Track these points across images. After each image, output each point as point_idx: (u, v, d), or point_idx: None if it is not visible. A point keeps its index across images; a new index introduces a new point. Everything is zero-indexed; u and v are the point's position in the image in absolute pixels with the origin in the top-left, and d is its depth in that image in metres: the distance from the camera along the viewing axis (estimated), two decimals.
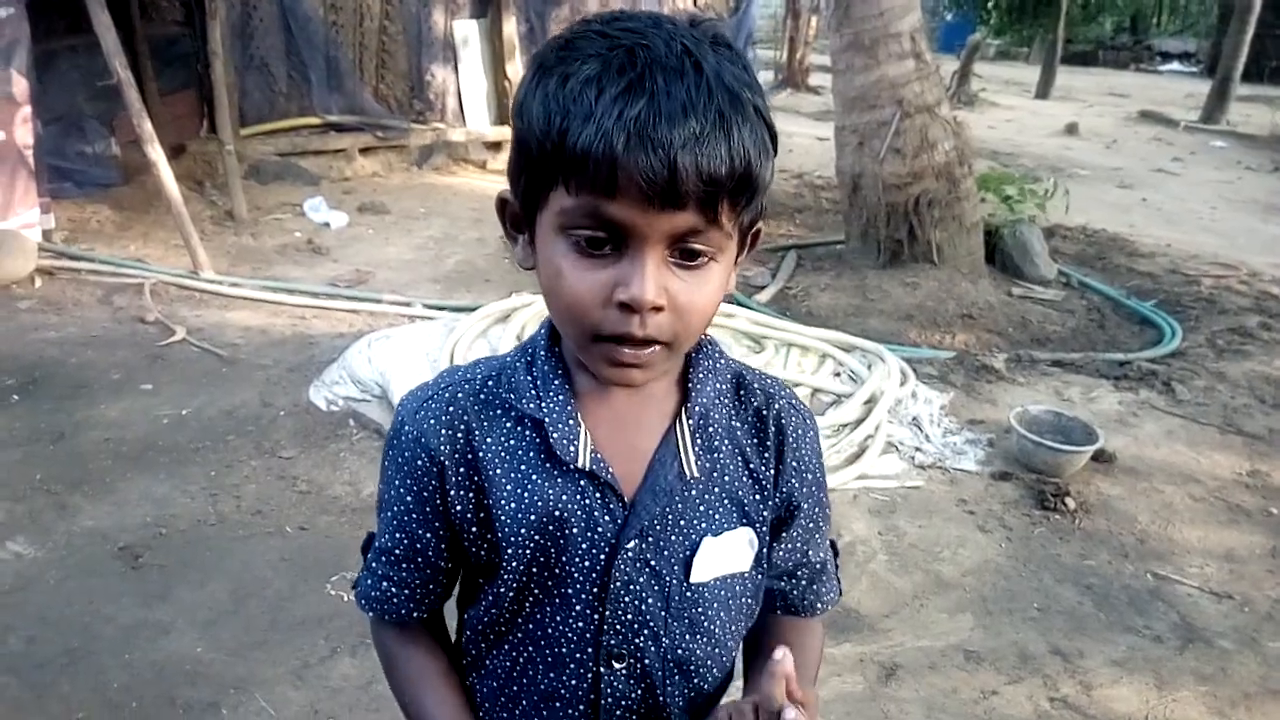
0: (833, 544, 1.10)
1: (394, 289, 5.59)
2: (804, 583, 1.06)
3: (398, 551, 0.98)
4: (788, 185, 8.95)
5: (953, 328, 5.46)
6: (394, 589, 0.99)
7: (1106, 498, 3.70)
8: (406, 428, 0.95)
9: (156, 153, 5.32)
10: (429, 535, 0.96)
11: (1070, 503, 3.57)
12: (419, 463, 0.94)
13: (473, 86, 9.07)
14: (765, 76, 16.97)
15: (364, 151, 8.26)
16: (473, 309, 4.72)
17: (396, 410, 0.98)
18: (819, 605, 1.07)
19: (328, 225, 6.76)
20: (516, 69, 9.08)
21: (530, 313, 4.30)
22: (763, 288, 5.98)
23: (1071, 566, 3.25)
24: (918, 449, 3.90)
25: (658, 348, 0.83)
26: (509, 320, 4.26)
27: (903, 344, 5.07)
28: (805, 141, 10.92)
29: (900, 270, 5.96)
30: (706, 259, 0.83)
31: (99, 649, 2.57)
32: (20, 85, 5.39)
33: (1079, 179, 10.12)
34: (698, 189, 0.76)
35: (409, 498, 0.95)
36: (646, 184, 0.75)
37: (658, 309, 0.81)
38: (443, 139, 8.79)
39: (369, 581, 1.01)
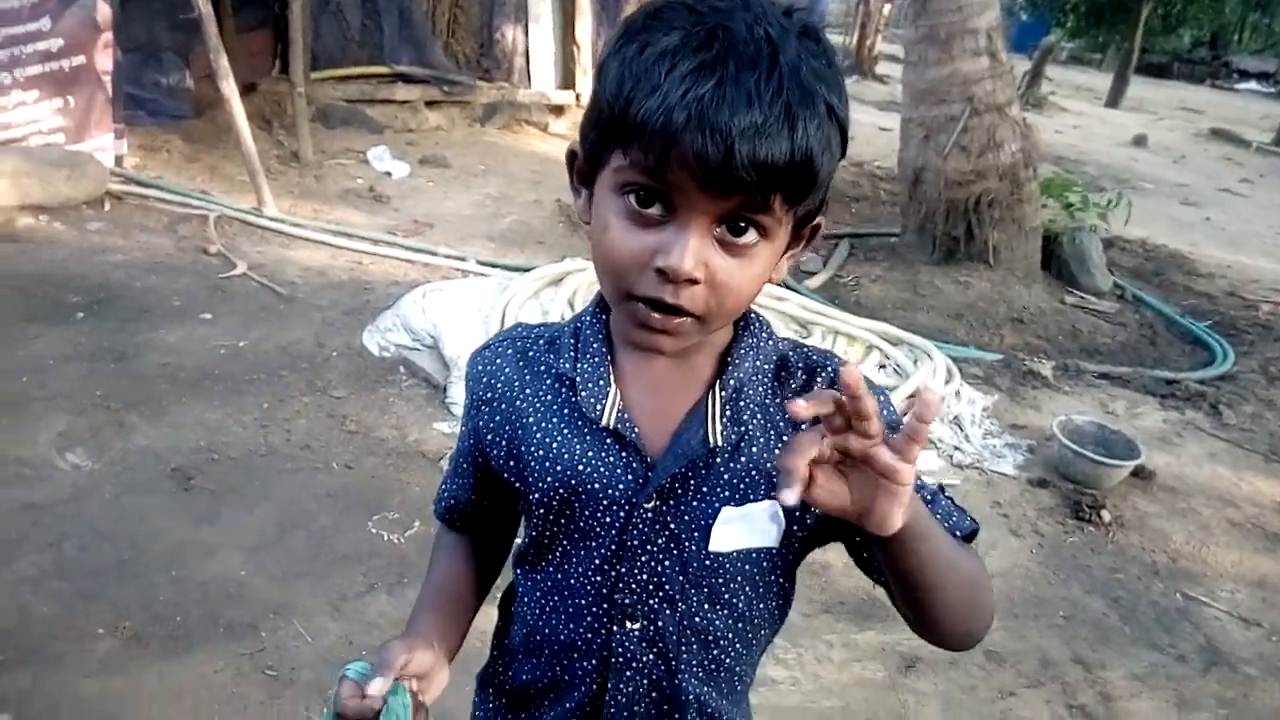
0: (940, 487, 0.99)
1: (449, 243, 5.66)
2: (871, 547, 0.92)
3: (452, 466, 1.12)
4: (846, 174, 8.89)
5: (1002, 330, 5.43)
6: (446, 492, 1.13)
7: (1142, 514, 3.69)
8: (468, 370, 1.06)
9: (230, 89, 5.40)
10: (465, 464, 1.08)
11: (1105, 515, 3.57)
12: (466, 401, 1.06)
13: (541, 48, 9.09)
14: None
15: (429, 105, 8.32)
16: (526, 270, 4.77)
17: None
18: (947, 529, 0.93)
19: (389, 175, 6.84)
20: (586, 32, 9.09)
21: (583, 278, 4.34)
22: (813, 274, 5.98)
23: (1101, 579, 3.25)
24: (957, 448, 3.91)
25: (687, 319, 0.85)
26: (561, 284, 4.30)
27: (950, 342, 5.05)
28: (868, 131, 10.82)
29: (954, 268, 5.93)
30: (754, 239, 0.84)
31: (148, 563, 2.67)
32: (104, 11, 5.50)
33: (1143, 192, 9.96)
34: (751, 177, 0.77)
35: (463, 428, 1.08)
36: (699, 165, 0.76)
37: (693, 281, 0.82)
38: (507, 98, 8.83)
39: (440, 483, 1.15)
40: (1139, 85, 19.79)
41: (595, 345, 0.97)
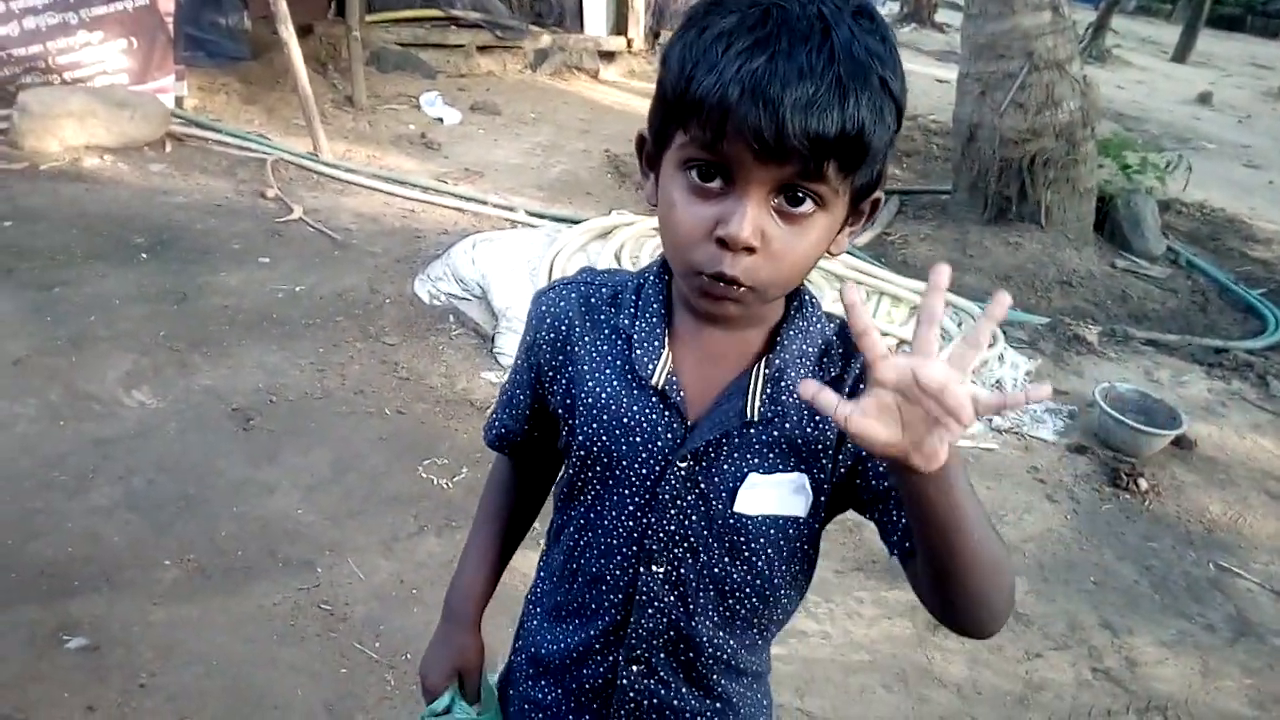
0: None
1: (499, 192, 5.72)
2: (893, 514, 1.00)
3: (505, 397, 1.18)
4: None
5: (1050, 294, 5.40)
6: (496, 421, 1.21)
7: (1180, 483, 3.70)
8: (531, 308, 1.12)
9: (289, 33, 5.46)
10: (522, 396, 1.15)
11: (1143, 484, 3.59)
12: (527, 338, 1.11)
13: None
14: (891, 8, 16.46)
15: (481, 50, 8.32)
16: (574, 221, 4.83)
17: None
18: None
19: (441, 121, 6.89)
20: None
21: (630, 232, 4.39)
22: (862, 231, 5.95)
23: (1134, 546, 3.29)
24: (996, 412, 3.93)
25: (747, 288, 0.90)
26: (609, 238, 4.35)
27: None
28: (924, 82, 10.64)
29: (1004, 228, 5.88)
30: (810, 208, 0.88)
31: (211, 499, 2.81)
32: None
33: (1204, 153, 9.72)
34: (804, 146, 0.81)
35: (520, 361, 1.14)
36: (753, 136, 0.81)
37: (750, 250, 0.87)
38: (558, 44, 8.80)
39: (491, 410, 1.23)
40: (1208, 39, 19.13)
41: (655, 306, 1.02)
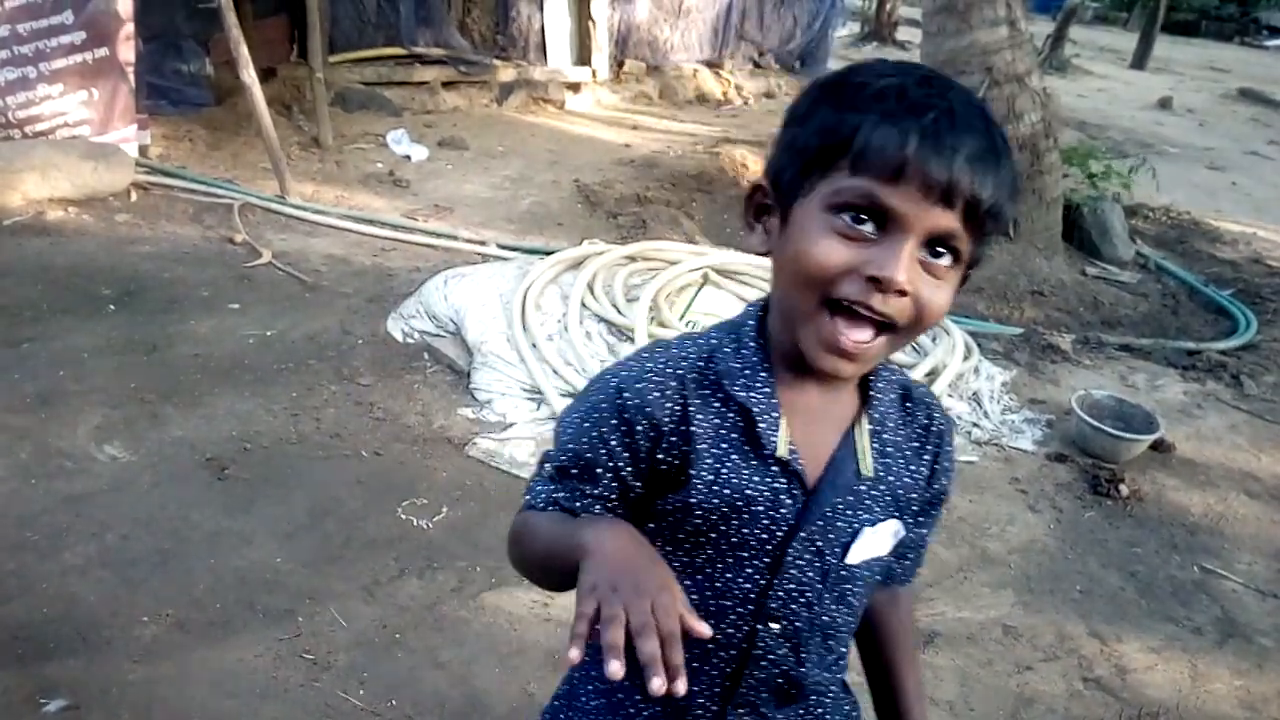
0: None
1: (469, 226, 5.71)
2: (909, 561, 1.21)
3: (574, 471, 1.04)
4: None
5: (1022, 304, 5.44)
6: (569, 496, 1.05)
7: (1161, 487, 3.71)
8: (627, 394, 1.02)
9: (251, 78, 5.45)
10: (610, 475, 1.03)
11: (1124, 489, 3.60)
12: (639, 426, 1.01)
13: (557, 25, 9.08)
14: (851, 28, 16.67)
15: (447, 85, 8.34)
16: (545, 253, 4.82)
17: (607, 375, 1.06)
18: (912, 577, 1.24)
19: (408, 158, 6.88)
20: (601, 8, 9.08)
21: (601, 261, 4.39)
22: None
23: (1118, 553, 3.29)
24: (975, 425, 3.94)
25: (882, 338, 0.93)
26: (581, 268, 4.35)
27: (970, 317, 5.06)
28: None
29: None
30: (949, 262, 0.93)
31: (186, 552, 2.76)
32: (124, 2, 5.55)
33: (1168, 157, 9.86)
34: (968, 194, 0.88)
35: (616, 446, 1.02)
36: (930, 180, 0.87)
37: (902, 293, 0.90)
38: (524, 77, 8.84)
39: (540, 489, 1.07)
40: (1165, 45, 19.48)
41: (764, 374, 1.01)
